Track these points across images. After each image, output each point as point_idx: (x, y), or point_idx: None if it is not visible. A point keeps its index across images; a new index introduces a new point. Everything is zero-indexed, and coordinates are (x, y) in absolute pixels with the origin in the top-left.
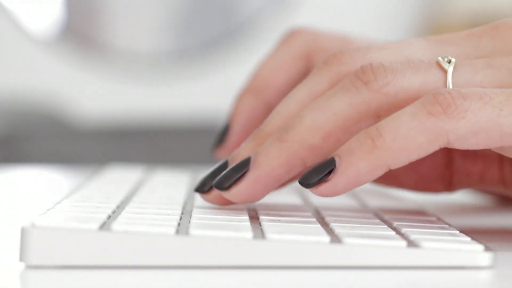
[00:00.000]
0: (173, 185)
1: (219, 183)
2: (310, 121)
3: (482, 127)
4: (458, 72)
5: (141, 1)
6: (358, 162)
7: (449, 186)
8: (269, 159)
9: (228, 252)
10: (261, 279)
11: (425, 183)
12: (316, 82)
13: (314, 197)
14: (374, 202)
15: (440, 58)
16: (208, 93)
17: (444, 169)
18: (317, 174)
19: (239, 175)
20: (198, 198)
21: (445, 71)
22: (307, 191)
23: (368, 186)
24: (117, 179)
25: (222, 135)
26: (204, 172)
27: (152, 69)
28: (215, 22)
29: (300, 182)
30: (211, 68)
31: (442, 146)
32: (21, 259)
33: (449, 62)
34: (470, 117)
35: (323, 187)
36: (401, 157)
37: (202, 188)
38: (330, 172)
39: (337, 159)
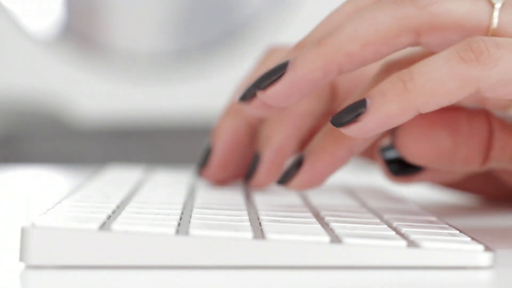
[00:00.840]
0: (173, 185)
1: (257, 83)
2: (351, 29)
3: None
4: (506, 9)
5: (141, 1)
6: (389, 103)
7: (485, 160)
8: (307, 61)
9: (228, 252)
10: (261, 279)
11: (472, 158)
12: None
13: (314, 197)
14: (374, 202)
15: None
16: (208, 93)
17: (487, 141)
18: (348, 113)
19: (277, 76)
20: (198, 198)
21: (493, 6)
22: (307, 191)
23: (368, 185)
24: (117, 179)
25: (205, 157)
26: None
27: (152, 69)
28: (215, 22)
29: (331, 121)
30: (211, 68)
31: (473, 93)
32: (21, 259)
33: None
34: (502, 66)
35: (354, 126)
36: (431, 101)
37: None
38: (361, 112)
39: (368, 100)
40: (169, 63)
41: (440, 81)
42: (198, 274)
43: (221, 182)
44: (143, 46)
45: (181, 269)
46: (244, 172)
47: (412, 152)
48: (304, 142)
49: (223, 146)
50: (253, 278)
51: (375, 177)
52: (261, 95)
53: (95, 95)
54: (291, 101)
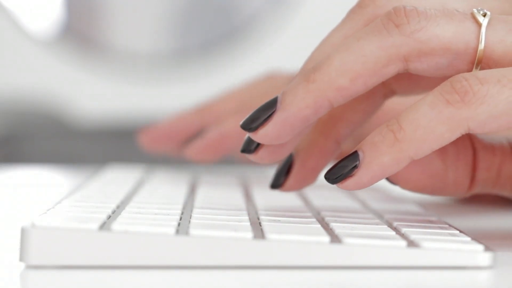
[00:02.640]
0: (173, 185)
1: (246, 124)
2: (339, 62)
3: (502, 110)
4: (492, 28)
5: (141, 1)
6: (381, 155)
7: (471, 184)
8: (297, 99)
9: (228, 252)
10: (261, 279)
11: (460, 182)
12: (351, 26)
13: (314, 197)
14: (374, 202)
15: (475, 10)
16: (208, 93)
17: (472, 162)
18: (342, 169)
19: (266, 116)
20: (198, 198)
21: (480, 25)
22: (307, 191)
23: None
24: (117, 179)
25: (151, 124)
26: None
27: (152, 69)
28: (215, 22)
29: (325, 178)
30: (211, 68)
31: (464, 133)
32: (21, 259)
33: (484, 15)
34: (489, 102)
35: (349, 181)
36: (423, 147)
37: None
38: (355, 167)
39: (360, 154)
40: (169, 63)
41: (429, 127)
42: (198, 274)
43: (153, 147)
44: (143, 46)
45: (181, 269)
46: None
47: (404, 177)
48: None
49: (169, 125)
50: (253, 278)
51: None
52: (253, 136)
53: (95, 95)
54: (284, 139)
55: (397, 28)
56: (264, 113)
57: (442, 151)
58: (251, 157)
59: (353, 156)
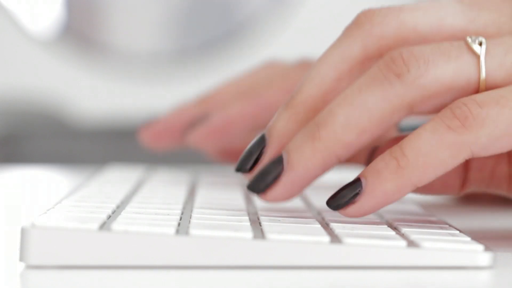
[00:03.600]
0: (173, 185)
1: (254, 186)
2: (343, 117)
3: (503, 131)
4: (490, 55)
5: (141, 1)
6: (384, 183)
7: (463, 184)
8: (304, 159)
9: (228, 252)
10: (261, 279)
11: (448, 181)
12: (348, 45)
13: (314, 197)
14: None
15: (469, 39)
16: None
17: (463, 163)
18: (344, 196)
19: (273, 176)
20: (198, 198)
21: (477, 56)
22: (307, 191)
23: None
24: (117, 179)
25: (152, 120)
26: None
27: (152, 69)
28: (215, 22)
29: (327, 204)
30: (211, 68)
31: (467, 158)
32: (21, 259)
33: (480, 44)
34: (489, 124)
35: (351, 208)
36: (426, 174)
37: (244, 166)
38: (357, 193)
39: (363, 180)
40: (169, 63)
41: (432, 154)
42: (198, 274)
43: (155, 144)
44: (143, 46)
45: (181, 269)
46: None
47: None
48: None
49: (172, 119)
50: (253, 278)
51: None
52: (262, 197)
53: (95, 95)
54: (293, 196)
55: (398, 78)
56: (271, 174)
57: None
58: (246, 176)
59: (356, 183)
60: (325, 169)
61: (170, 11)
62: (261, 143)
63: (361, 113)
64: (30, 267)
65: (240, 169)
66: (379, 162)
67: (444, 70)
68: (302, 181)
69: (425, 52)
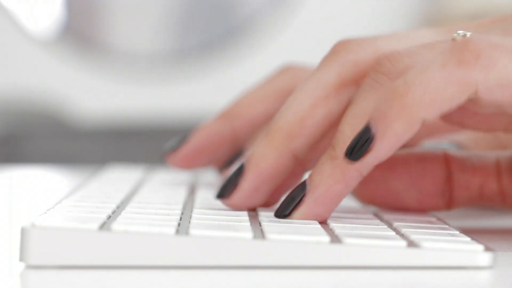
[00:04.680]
0: (173, 185)
1: (280, 213)
2: (349, 130)
3: (511, 80)
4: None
5: (141, 1)
6: (393, 123)
7: (450, 201)
8: (325, 178)
9: (228, 252)
10: (261, 279)
11: (427, 201)
12: (325, 72)
13: None
14: None
15: (455, 34)
16: (208, 93)
17: (444, 183)
18: (358, 146)
19: (297, 200)
20: (198, 198)
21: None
22: None
23: None
24: (117, 179)
25: (178, 142)
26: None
27: (152, 69)
28: (215, 22)
29: (346, 155)
30: (211, 68)
31: (471, 96)
32: (21, 259)
33: (464, 36)
34: (499, 69)
35: (368, 157)
36: (433, 109)
37: (224, 193)
38: (369, 140)
39: (372, 126)
40: (169, 63)
41: (439, 89)
42: (198, 274)
43: (184, 167)
44: (142, 46)
45: (181, 269)
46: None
47: (361, 192)
48: None
49: (199, 140)
50: (253, 278)
51: None
52: (288, 218)
53: (95, 95)
54: (322, 218)
55: (386, 76)
56: (295, 199)
57: (405, 171)
58: (225, 202)
59: (366, 130)
60: (347, 185)
61: (170, 11)
62: (240, 170)
63: (363, 121)
64: (30, 267)
65: (220, 195)
66: (383, 103)
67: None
68: (326, 199)
69: (410, 48)
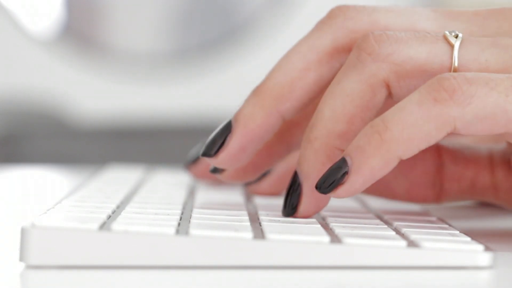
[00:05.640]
0: (173, 185)
1: (288, 211)
2: (329, 111)
3: (488, 113)
4: (465, 48)
5: (141, 1)
6: (370, 159)
7: (440, 193)
8: (312, 164)
9: (228, 252)
10: (261, 279)
11: (416, 191)
12: (319, 36)
13: None
14: (374, 202)
15: (447, 32)
16: (208, 93)
17: (435, 174)
18: (332, 178)
19: (297, 193)
20: (198, 198)
21: (452, 46)
22: None
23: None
24: (117, 179)
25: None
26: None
27: (152, 69)
28: (215, 22)
29: (317, 188)
30: (211, 68)
31: (449, 132)
32: (21, 259)
33: (456, 37)
34: (476, 103)
35: (341, 189)
36: (411, 147)
37: (209, 152)
38: (344, 173)
39: (348, 159)
40: (169, 63)
41: (417, 126)
42: (198, 274)
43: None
44: (142, 46)
45: (181, 269)
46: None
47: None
48: None
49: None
50: (253, 278)
51: None
52: (296, 216)
53: (95, 95)
54: (325, 203)
55: (369, 56)
56: (295, 192)
57: None
58: (211, 161)
59: (341, 162)
60: (332, 160)
61: (170, 11)
62: (227, 129)
63: (342, 101)
64: (30, 267)
65: (205, 154)
66: (361, 138)
67: (417, 51)
68: (314, 182)
69: (399, 34)
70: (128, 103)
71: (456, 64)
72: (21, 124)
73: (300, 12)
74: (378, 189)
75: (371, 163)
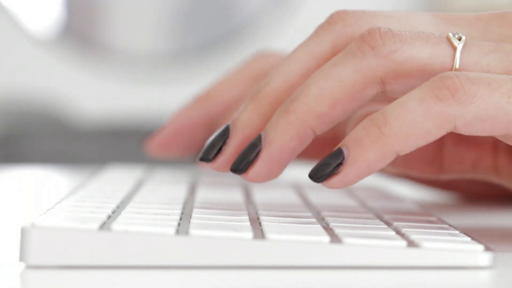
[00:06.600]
0: (173, 184)
1: (235, 167)
2: (316, 89)
3: (490, 114)
4: (468, 51)
5: (141, 1)
6: (366, 151)
7: (440, 170)
8: (280, 133)
9: (228, 252)
10: (261, 279)
11: (414, 164)
12: (319, 42)
13: (314, 197)
14: (374, 202)
15: (450, 34)
16: None
17: (435, 152)
18: (326, 167)
19: (253, 155)
20: (198, 198)
21: (455, 48)
22: (307, 191)
23: (368, 185)
24: (117, 179)
25: (155, 131)
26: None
27: (152, 69)
28: (215, 22)
29: (310, 177)
30: (211, 68)
31: (449, 131)
32: (21, 259)
33: (460, 39)
34: (478, 103)
35: (334, 179)
36: (409, 143)
37: (207, 156)
38: (339, 164)
39: (345, 150)
40: (169, 63)
41: (417, 123)
42: (198, 274)
43: (161, 153)
44: (142, 46)
45: (181, 269)
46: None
47: None
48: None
49: (175, 125)
50: (253, 278)
51: (375, 177)
52: (245, 177)
53: (95, 95)
54: (276, 174)
55: (372, 50)
56: (251, 153)
57: None
58: (209, 165)
59: (337, 152)
60: (302, 142)
61: (170, 11)
62: (225, 134)
63: (333, 84)
64: (30, 267)
65: (203, 158)
66: (360, 130)
67: (420, 51)
68: (281, 155)
69: (404, 33)
70: (128, 103)
71: (457, 66)
72: (21, 124)
73: (300, 12)
74: None
75: (367, 156)
